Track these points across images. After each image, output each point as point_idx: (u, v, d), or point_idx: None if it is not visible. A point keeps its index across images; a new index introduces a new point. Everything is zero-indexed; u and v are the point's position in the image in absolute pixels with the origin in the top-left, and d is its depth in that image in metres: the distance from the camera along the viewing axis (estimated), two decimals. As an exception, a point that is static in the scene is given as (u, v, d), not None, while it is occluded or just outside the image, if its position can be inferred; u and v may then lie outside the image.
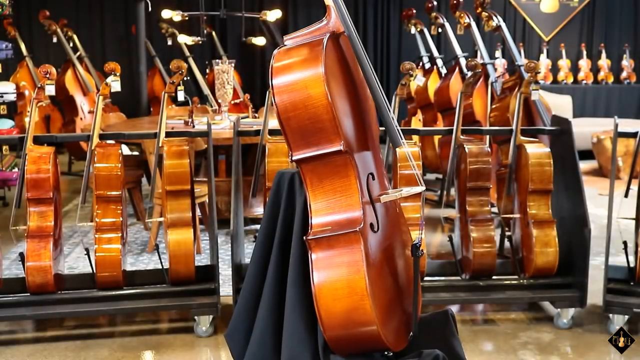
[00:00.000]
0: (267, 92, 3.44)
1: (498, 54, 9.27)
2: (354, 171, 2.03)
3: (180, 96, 4.79)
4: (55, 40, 7.41)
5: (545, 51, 9.55)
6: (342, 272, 2.00)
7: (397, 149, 2.24)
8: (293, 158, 2.08)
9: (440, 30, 5.99)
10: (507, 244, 3.70)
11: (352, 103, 2.16)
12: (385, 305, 2.08)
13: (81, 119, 7.10)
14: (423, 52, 6.53)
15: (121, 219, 3.16)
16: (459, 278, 3.39)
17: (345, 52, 2.21)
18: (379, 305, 2.01)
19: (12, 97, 6.07)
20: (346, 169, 2.03)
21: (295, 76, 2.03)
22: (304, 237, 2.06)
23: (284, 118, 2.05)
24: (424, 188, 2.26)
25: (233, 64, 5.10)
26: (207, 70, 8.29)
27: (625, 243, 3.23)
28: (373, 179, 2.11)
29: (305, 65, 2.02)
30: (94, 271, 3.13)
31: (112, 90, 3.35)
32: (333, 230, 2.02)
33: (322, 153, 2.02)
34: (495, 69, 7.21)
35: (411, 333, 2.15)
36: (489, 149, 3.36)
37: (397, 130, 2.18)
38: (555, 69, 9.62)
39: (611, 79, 9.56)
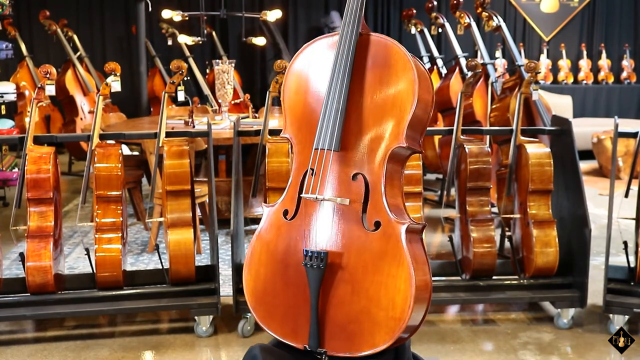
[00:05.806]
0: (267, 92, 3.44)
1: (498, 54, 9.27)
2: (295, 159, 2.22)
3: (181, 96, 4.79)
4: (55, 40, 7.42)
5: (545, 51, 9.55)
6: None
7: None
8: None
9: (440, 30, 5.99)
10: (507, 244, 3.70)
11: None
12: (268, 286, 2.17)
13: (81, 119, 7.10)
14: (423, 52, 6.52)
15: (121, 219, 3.15)
16: (459, 278, 3.39)
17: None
18: (260, 280, 2.17)
19: (12, 97, 6.08)
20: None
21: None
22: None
23: None
24: (321, 196, 2.11)
25: (233, 64, 5.09)
26: (207, 70, 8.29)
27: (625, 243, 3.23)
28: (312, 175, 2.16)
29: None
30: (94, 271, 3.13)
31: (112, 90, 3.35)
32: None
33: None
34: (496, 69, 7.22)
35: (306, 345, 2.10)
36: (489, 149, 3.36)
37: (333, 133, 2.11)
38: (555, 69, 9.62)
39: (611, 79, 9.56)
